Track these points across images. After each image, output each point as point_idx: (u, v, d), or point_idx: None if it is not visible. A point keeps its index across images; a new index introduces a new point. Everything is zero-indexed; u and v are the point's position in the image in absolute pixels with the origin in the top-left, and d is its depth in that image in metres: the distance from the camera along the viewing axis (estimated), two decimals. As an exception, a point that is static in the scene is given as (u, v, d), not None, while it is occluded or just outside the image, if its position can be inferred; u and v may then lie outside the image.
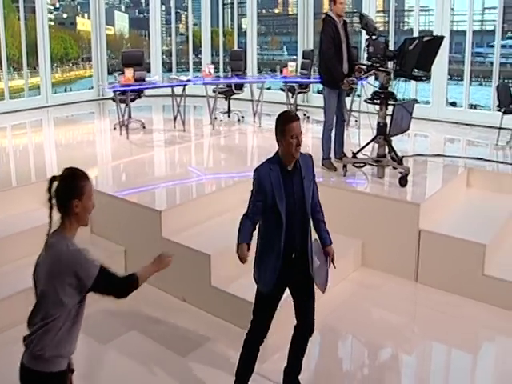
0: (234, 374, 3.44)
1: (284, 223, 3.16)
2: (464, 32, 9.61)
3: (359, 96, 8.03)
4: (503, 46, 9.92)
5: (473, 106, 9.88)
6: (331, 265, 3.42)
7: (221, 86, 9.38)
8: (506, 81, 9.90)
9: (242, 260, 3.21)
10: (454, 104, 10.27)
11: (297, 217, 3.19)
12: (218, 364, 3.87)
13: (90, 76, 12.57)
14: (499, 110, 7.69)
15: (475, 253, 4.80)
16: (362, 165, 5.96)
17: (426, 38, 5.75)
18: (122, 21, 22.45)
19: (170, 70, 12.90)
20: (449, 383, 3.94)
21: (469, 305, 4.71)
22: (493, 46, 9.82)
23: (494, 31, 9.66)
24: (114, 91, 8.18)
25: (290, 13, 20.68)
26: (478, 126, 8.54)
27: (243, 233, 3.25)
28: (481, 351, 4.38)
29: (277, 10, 22.08)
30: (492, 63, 9.43)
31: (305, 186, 3.21)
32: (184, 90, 8.59)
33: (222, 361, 3.89)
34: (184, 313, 4.54)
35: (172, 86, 8.70)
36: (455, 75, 10.95)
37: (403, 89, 6.37)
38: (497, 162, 6.66)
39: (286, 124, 3.12)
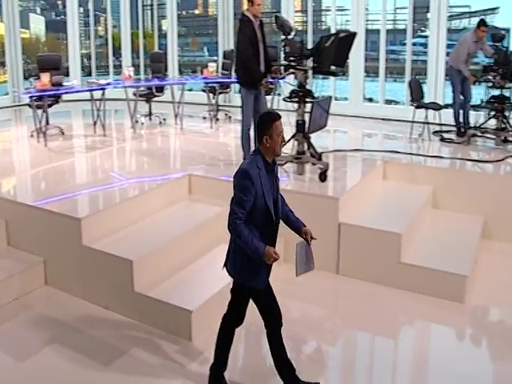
0: (213, 359, 3.55)
1: (274, 220, 3.28)
2: (378, 31, 10.00)
3: (279, 95, 8.17)
4: (414, 44, 10.39)
5: (388, 101, 10.31)
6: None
7: (142, 88, 9.28)
8: (417, 76, 10.36)
9: (278, 258, 3.23)
10: (370, 100, 10.65)
11: (279, 212, 3.34)
12: (143, 370, 3.83)
13: (5, 82, 12.07)
14: (412, 105, 8.04)
15: (392, 242, 5.03)
16: (282, 162, 6.06)
17: (341, 35, 5.93)
18: (37, 24, 21.72)
19: (89, 74, 12.62)
20: (372, 370, 4.07)
21: (387, 292, 4.92)
22: (405, 44, 10.29)
23: (405, 30, 10.13)
24: (30, 97, 7.92)
25: (210, 14, 20.75)
26: (394, 121, 8.90)
27: (255, 239, 3.19)
28: (400, 336, 4.57)
29: (197, 11, 22.11)
30: (404, 60, 9.87)
31: (279, 182, 3.40)
32: (103, 93, 8.44)
33: (147, 367, 3.86)
34: (107, 321, 4.46)
35: (90, 90, 8.53)
36: (371, 72, 11.37)
37: (321, 86, 6.56)
38: (411, 154, 6.96)
39: (273, 122, 3.25)
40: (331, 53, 5.72)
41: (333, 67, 6.03)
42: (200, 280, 4.65)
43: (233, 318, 3.50)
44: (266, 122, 3.26)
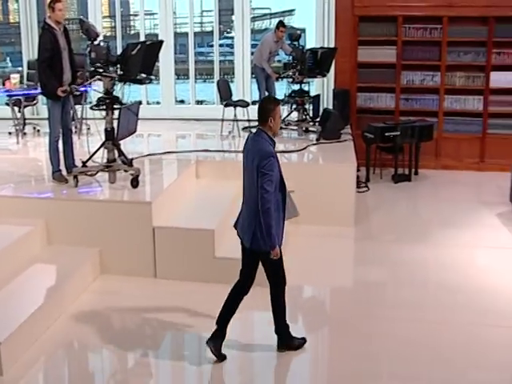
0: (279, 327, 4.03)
1: (286, 188, 3.87)
2: (186, 34, 10.16)
3: (91, 103, 7.95)
4: (221, 45, 10.77)
5: (199, 102, 10.57)
6: None
7: None
8: (225, 76, 10.77)
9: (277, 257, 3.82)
10: (182, 101, 10.83)
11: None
12: None
13: None
14: (221, 104, 8.32)
15: (205, 239, 5.16)
16: (93, 172, 5.92)
17: (148, 42, 5.94)
18: None
19: None
20: (202, 369, 4.13)
21: (206, 289, 5.02)
22: (212, 46, 10.61)
23: (212, 32, 10.43)
24: None
25: (12, 21, 19.50)
26: (206, 120, 9.11)
27: (274, 230, 3.71)
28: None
29: (-4, 19, 20.63)
30: (212, 61, 10.17)
31: None
32: None
33: None
34: None
35: None
36: (182, 74, 11.56)
37: (131, 92, 6.49)
38: (222, 151, 7.21)
39: (277, 105, 3.83)
40: (138, 61, 5.70)
41: (142, 75, 6.01)
42: (8, 307, 4.37)
43: (248, 284, 4.02)
44: (271, 105, 3.81)
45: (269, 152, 3.71)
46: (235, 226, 4.10)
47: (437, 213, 7.13)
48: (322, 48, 8.49)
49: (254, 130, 8.23)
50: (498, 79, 8.90)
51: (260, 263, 3.98)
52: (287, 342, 4.13)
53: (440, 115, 9.06)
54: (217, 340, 4.00)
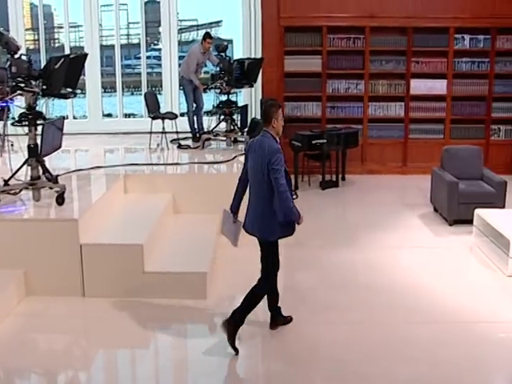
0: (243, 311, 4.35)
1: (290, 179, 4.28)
2: (113, 46, 10.04)
3: (14, 119, 7.72)
4: (148, 58, 10.71)
5: (127, 115, 10.46)
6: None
7: None
8: (153, 89, 10.72)
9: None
10: (110, 115, 10.68)
11: None
12: None
13: None
14: (149, 116, 8.27)
15: (134, 254, 5.10)
16: (16, 191, 5.74)
17: (71, 56, 5.82)
18: None
19: None
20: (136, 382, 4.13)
21: (136, 305, 4.97)
22: (139, 58, 10.54)
23: (139, 44, 10.37)
24: None
25: None
26: (134, 133, 9.02)
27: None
28: (155, 343, 4.68)
29: None
30: (140, 73, 10.10)
31: None
32: None
33: None
34: None
35: None
36: (109, 87, 11.41)
37: (56, 106, 6.36)
38: (150, 164, 7.17)
39: (279, 108, 4.22)
40: (61, 74, 5.57)
41: (67, 89, 5.89)
42: None
43: (275, 271, 4.45)
44: (273, 108, 4.18)
45: (277, 149, 4.13)
46: (244, 227, 4.46)
47: (363, 217, 7.36)
48: (248, 58, 8.59)
49: (182, 142, 8.31)
50: (418, 86, 9.32)
51: (263, 249, 4.43)
52: (280, 319, 4.63)
53: (364, 122, 9.38)
54: (277, 319, 4.60)
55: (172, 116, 8.39)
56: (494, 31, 9.19)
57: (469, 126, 9.48)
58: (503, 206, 6.86)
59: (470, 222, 6.42)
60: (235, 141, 8.09)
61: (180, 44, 10.24)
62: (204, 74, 9.23)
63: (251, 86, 8.40)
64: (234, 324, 4.30)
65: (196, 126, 8.43)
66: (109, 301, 5.01)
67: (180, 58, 9.54)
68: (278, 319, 4.63)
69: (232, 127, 8.03)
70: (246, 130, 8.27)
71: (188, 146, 8.08)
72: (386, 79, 9.38)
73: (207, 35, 8.38)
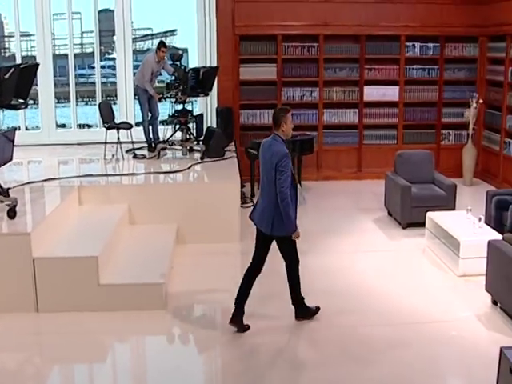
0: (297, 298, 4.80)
1: (296, 184, 4.58)
2: (66, 55, 9.89)
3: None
4: (102, 67, 10.59)
5: (82, 126, 10.32)
6: None
7: None
8: (108, 98, 10.61)
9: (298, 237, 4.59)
10: (63, 126, 10.53)
11: None
12: None
13: None
14: (104, 127, 8.18)
15: (89, 266, 5.03)
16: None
17: (22, 65, 5.71)
18: None
19: None
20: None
21: (92, 318, 4.89)
22: (93, 67, 10.42)
23: (93, 53, 10.23)
24: None
25: None
26: (89, 144, 8.91)
27: (293, 215, 4.49)
28: (113, 356, 4.66)
29: None
30: (94, 83, 9.99)
31: None
32: None
33: None
34: None
35: None
36: (62, 98, 11.24)
37: (6, 118, 6.23)
38: (106, 175, 7.10)
39: (287, 113, 4.52)
40: (12, 85, 5.47)
41: (20, 100, 5.78)
42: None
43: (261, 265, 4.68)
44: (282, 112, 4.51)
45: (284, 153, 4.40)
46: (251, 216, 4.74)
47: (319, 222, 7.43)
48: (204, 67, 8.61)
49: (137, 152, 8.25)
50: (371, 93, 9.51)
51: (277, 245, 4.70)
52: (303, 312, 4.84)
53: (319, 129, 9.51)
54: (237, 317, 4.65)
55: (127, 126, 8.32)
56: (442, 39, 9.47)
57: (420, 131, 9.73)
58: (453, 208, 7.06)
59: (422, 224, 6.58)
60: (191, 150, 8.09)
61: (135, 53, 10.19)
62: (159, 83, 9.21)
63: (206, 94, 8.42)
64: (298, 304, 4.83)
65: (151, 136, 8.39)
66: (64, 315, 4.92)
67: (135, 67, 9.47)
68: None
69: (188, 136, 8.03)
70: (201, 138, 8.26)
71: (143, 156, 8.04)
72: (340, 86, 9.53)
73: (161, 44, 8.37)
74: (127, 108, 9.45)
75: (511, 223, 6.12)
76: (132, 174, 7.11)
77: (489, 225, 6.33)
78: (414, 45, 9.51)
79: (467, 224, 6.08)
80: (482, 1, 9.34)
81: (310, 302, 4.92)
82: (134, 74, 9.11)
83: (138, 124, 9.10)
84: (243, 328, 4.66)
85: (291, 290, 4.81)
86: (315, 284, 5.61)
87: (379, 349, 4.44)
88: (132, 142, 8.24)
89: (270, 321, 4.88)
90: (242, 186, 8.06)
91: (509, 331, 4.67)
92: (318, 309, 4.90)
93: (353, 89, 9.56)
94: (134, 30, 10.28)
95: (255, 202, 4.86)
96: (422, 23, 9.31)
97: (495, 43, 9.27)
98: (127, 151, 8.17)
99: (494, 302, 5.10)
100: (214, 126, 8.99)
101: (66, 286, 5.03)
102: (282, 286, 4.92)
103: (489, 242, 5.17)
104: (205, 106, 9.41)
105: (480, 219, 6.07)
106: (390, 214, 7.55)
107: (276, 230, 4.51)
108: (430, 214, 6.50)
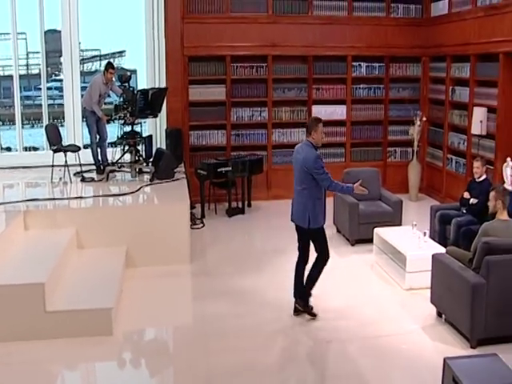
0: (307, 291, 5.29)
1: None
2: (11, 76, 9.68)
3: None
4: (49, 88, 10.41)
5: (28, 149, 10.09)
6: None
7: None
8: (55, 120, 10.43)
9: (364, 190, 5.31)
10: (9, 149, 10.29)
11: None
12: None
13: None
14: (51, 149, 8.03)
15: (35, 293, 4.90)
16: None
17: None
18: None
19: None
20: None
21: (39, 347, 4.76)
22: (40, 89, 10.25)
23: (39, 74, 10.07)
24: None
25: None
26: (36, 167, 8.70)
27: (344, 185, 5.38)
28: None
29: None
30: (41, 105, 9.82)
31: None
32: None
33: None
34: None
35: None
36: (7, 120, 11.00)
37: None
38: (53, 199, 6.94)
39: (318, 123, 5.14)
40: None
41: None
42: None
43: (307, 255, 5.34)
44: (314, 122, 5.17)
45: (317, 155, 5.05)
46: (292, 219, 5.36)
47: (270, 241, 7.49)
48: (152, 88, 8.57)
49: (85, 175, 8.09)
50: (319, 112, 9.64)
51: (309, 237, 5.27)
52: (305, 307, 5.30)
53: (269, 148, 9.61)
54: (304, 307, 5.27)
55: (75, 148, 8.19)
56: (387, 59, 9.78)
57: (367, 148, 9.98)
58: (400, 224, 7.25)
59: (370, 240, 6.72)
60: (140, 172, 8.02)
61: (82, 74, 10.05)
62: (107, 104, 9.12)
63: (155, 116, 8.39)
64: (303, 303, 5.28)
65: (100, 158, 8.30)
66: (9, 345, 4.77)
67: (82, 88, 9.36)
68: (306, 306, 5.30)
69: (137, 158, 7.97)
70: (150, 160, 8.21)
71: (92, 179, 7.92)
72: (288, 106, 9.68)
73: (109, 65, 8.31)
74: (75, 130, 9.30)
75: (454, 236, 6.35)
76: (80, 198, 6.98)
77: (433, 239, 6.55)
78: (360, 65, 9.78)
79: (413, 239, 6.26)
80: (424, 23, 9.73)
81: (260, 320, 4.95)
82: (82, 95, 9.00)
83: (86, 146, 8.98)
84: (310, 312, 5.27)
85: (307, 281, 5.33)
86: (268, 301, 5.66)
87: (332, 364, 4.50)
88: (80, 165, 8.11)
89: (221, 343, 4.87)
90: (192, 208, 8.07)
91: (453, 341, 4.83)
92: (315, 314, 5.33)
93: (301, 108, 9.72)
94: (82, 50, 10.17)
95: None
96: (367, 44, 9.60)
97: (436, 63, 9.64)
98: (75, 174, 8.03)
99: (439, 314, 5.26)
100: (164, 147, 8.94)
101: (12, 314, 4.89)
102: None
103: (433, 256, 5.34)
104: (154, 128, 9.36)
105: (425, 234, 6.26)
106: (338, 231, 7.68)
107: (312, 223, 5.13)
108: (377, 230, 6.65)
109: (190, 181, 8.14)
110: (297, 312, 5.30)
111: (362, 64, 9.78)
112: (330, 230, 7.70)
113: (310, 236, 5.24)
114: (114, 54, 14.90)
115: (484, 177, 6.68)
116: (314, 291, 5.33)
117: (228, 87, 9.40)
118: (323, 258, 5.28)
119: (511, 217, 5.26)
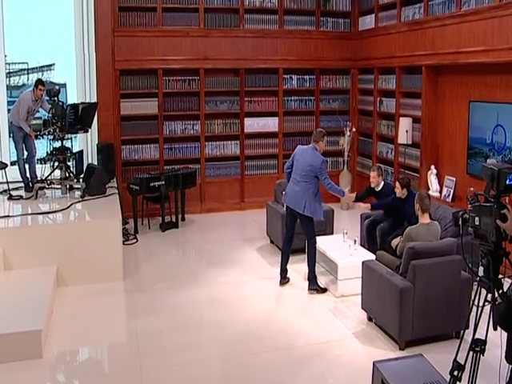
0: (310, 273, 6.23)
1: None
2: None
3: None
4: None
5: None
6: None
7: None
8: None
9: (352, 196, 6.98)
10: None
11: None
12: None
13: None
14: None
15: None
16: None
17: None
18: None
19: None
20: None
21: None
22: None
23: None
24: None
25: None
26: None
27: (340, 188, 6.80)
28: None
29: None
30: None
31: None
32: None
33: None
34: None
35: None
36: None
37: None
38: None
39: (323, 136, 6.24)
40: None
41: None
42: None
43: (292, 237, 6.43)
44: (320, 134, 6.26)
45: (323, 160, 6.14)
46: (287, 204, 6.29)
47: (204, 255, 7.51)
48: (82, 103, 8.40)
49: (13, 193, 7.75)
50: (251, 124, 9.83)
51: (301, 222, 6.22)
52: (314, 286, 6.19)
53: (202, 161, 9.63)
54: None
55: (1, 165, 7.92)
56: (317, 72, 10.04)
57: (300, 159, 10.16)
58: (332, 233, 7.42)
59: (303, 250, 6.83)
60: (71, 188, 7.83)
61: (9, 88, 9.77)
62: (36, 119, 8.88)
63: (86, 131, 8.22)
64: (312, 284, 6.19)
65: (28, 175, 8.06)
66: None
67: (9, 103, 9.08)
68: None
69: (67, 174, 7.77)
70: (81, 176, 8.03)
71: (20, 197, 7.65)
72: (221, 119, 9.75)
73: (39, 82, 8.09)
74: (1, 146, 8.96)
75: (380, 241, 6.58)
76: (7, 217, 6.73)
77: (363, 246, 6.74)
78: (291, 77, 9.98)
79: (344, 247, 6.44)
80: (352, 37, 10.07)
81: (195, 335, 4.93)
82: (9, 110, 8.72)
83: (13, 163, 8.70)
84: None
85: (308, 263, 6.20)
86: (203, 316, 5.69)
87: (270, 376, 4.55)
88: (7, 182, 7.82)
89: (158, 359, 4.83)
90: (125, 223, 7.96)
91: (383, 345, 4.99)
92: (325, 289, 6.22)
93: (234, 121, 9.81)
94: (8, 64, 9.83)
95: (285, 190, 6.47)
96: (298, 57, 9.82)
97: (365, 75, 9.99)
98: (2, 192, 7.77)
99: (370, 319, 5.42)
100: (95, 162, 8.78)
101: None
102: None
103: (363, 263, 5.51)
104: (85, 143, 9.20)
105: (355, 241, 6.45)
106: (272, 242, 7.78)
107: (306, 211, 6.05)
108: (309, 240, 6.78)
109: (123, 196, 8.03)
110: (282, 284, 6.44)
111: (293, 76, 9.99)
112: (263, 241, 7.87)
113: (301, 219, 6.16)
114: (42, 67, 14.53)
115: (382, 184, 6.88)
116: (252, 301, 5.33)
117: (160, 101, 9.36)
118: (312, 241, 6.20)
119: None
